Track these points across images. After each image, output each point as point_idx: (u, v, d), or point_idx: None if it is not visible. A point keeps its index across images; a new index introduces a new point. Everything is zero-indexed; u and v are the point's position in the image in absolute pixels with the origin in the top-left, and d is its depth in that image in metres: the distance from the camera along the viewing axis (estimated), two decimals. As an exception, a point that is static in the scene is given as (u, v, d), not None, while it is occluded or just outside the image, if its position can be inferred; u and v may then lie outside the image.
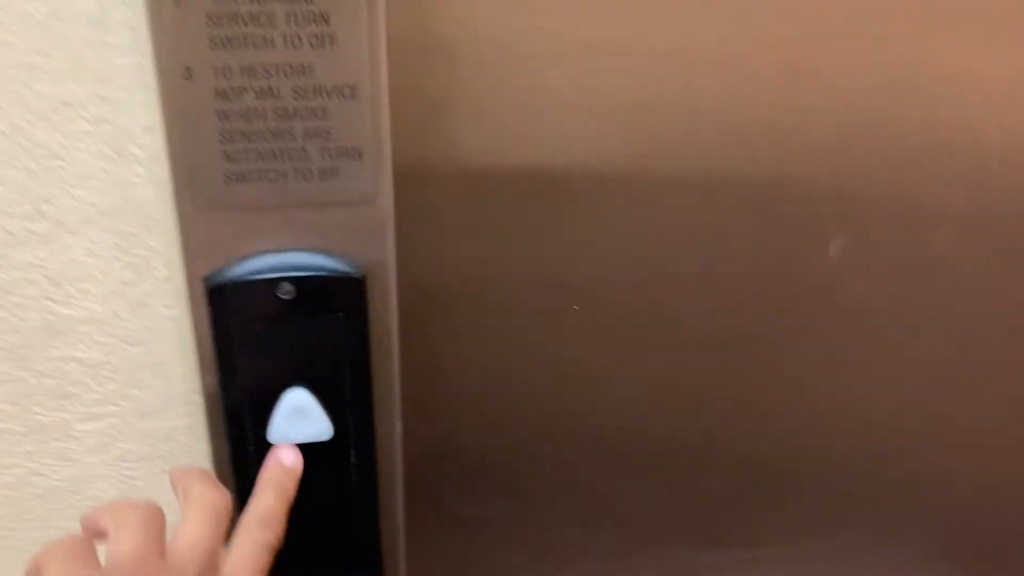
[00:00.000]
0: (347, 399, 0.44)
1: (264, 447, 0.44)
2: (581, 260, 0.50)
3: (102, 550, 0.35)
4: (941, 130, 0.50)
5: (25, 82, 0.37)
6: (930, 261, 0.55)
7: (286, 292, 0.41)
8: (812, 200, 0.51)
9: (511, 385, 0.54)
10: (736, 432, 0.59)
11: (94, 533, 0.36)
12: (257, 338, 0.42)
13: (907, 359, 0.58)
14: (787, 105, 0.47)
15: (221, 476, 0.46)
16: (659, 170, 0.48)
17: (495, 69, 0.43)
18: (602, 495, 0.60)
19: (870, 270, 0.54)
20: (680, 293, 0.53)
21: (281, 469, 0.43)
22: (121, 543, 0.34)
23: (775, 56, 0.46)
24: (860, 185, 0.51)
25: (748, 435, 0.60)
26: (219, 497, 0.38)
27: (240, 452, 0.45)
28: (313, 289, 0.41)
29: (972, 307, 0.58)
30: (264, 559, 0.39)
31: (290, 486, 0.43)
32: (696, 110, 0.46)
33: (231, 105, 0.38)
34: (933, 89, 0.48)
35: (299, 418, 0.44)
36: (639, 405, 0.56)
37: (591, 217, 0.48)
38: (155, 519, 0.36)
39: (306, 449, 0.44)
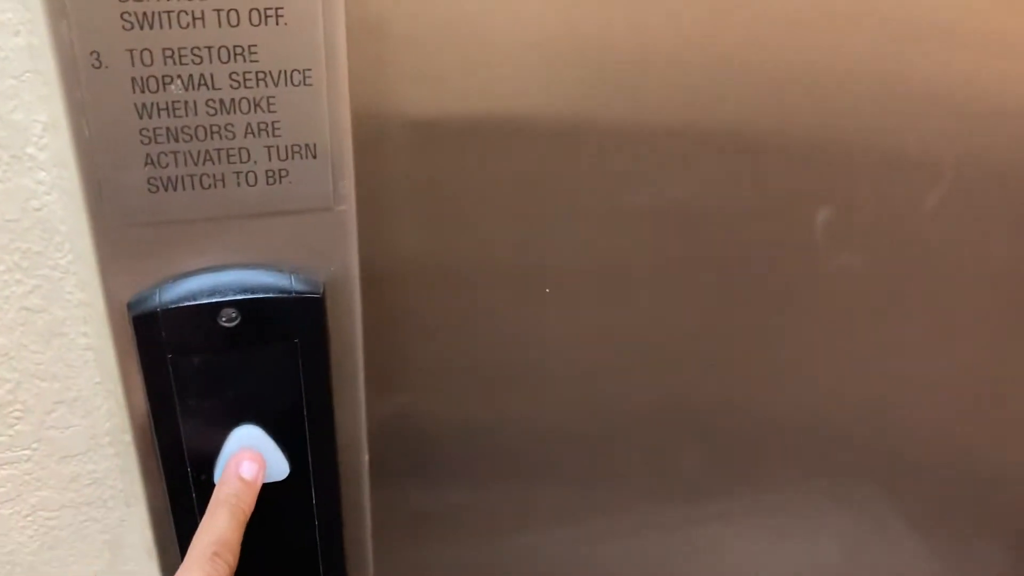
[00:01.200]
0: (306, 433, 0.38)
1: (210, 491, 0.38)
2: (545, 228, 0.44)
3: None
4: (931, 85, 0.45)
5: None
6: (918, 225, 0.50)
7: (229, 319, 0.34)
8: (789, 157, 0.45)
9: (481, 363, 0.48)
10: (711, 404, 0.55)
11: None
12: (196, 372, 0.35)
13: (887, 330, 0.54)
14: (763, 51, 0.41)
15: (160, 524, 0.40)
16: (614, 119, 0.42)
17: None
18: (577, 478, 0.55)
19: (854, 242, 0.49)
20: (656, 267, 0.47)
21: (240, 483, 0.36)
22: None
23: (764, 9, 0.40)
24: (848, 139, 0.46)
25: (725, 410, 0.55)
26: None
27: (182, 498, 0.38)
28: (262, 313, 0.34)
29: (960, 280, 0.54)
30: None
31: (248, 503, 0.36)
32: (667, 56, 0.40)
33: (153, 97, 0.30)
34: (923, 41, 0.43)
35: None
36: (614, 383, 0.51)
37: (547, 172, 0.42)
38: None
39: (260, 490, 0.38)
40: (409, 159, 0.38)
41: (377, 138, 0.37)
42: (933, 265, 0.53)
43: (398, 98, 0.36)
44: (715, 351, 0.52)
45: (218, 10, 0.30)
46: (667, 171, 0.43)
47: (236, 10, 0.30)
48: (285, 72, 0.31)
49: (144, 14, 0.29)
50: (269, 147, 0.32)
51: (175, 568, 0.37)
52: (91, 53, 0.29)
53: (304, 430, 0.38)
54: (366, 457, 0.40)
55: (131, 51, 0.29)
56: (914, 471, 0.64)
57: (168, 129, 0.31)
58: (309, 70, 0.31)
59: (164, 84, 0.30)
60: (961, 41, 0.45)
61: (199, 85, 0.31)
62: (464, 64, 0.37)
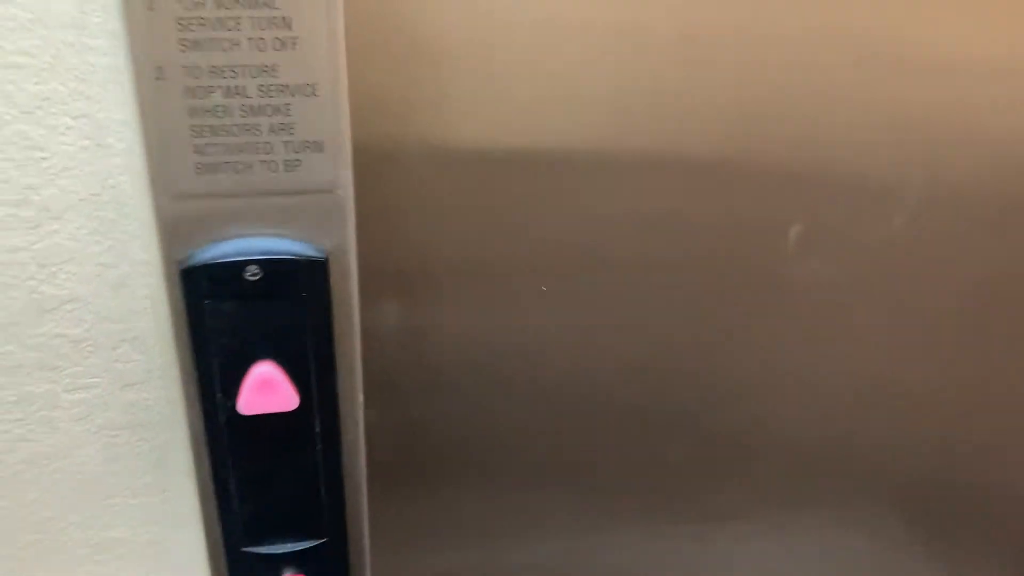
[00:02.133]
0: (311, 372, 0.48)
1: (235, 417, 0.48)
2: (549, 239, 0.53)
3: None
4: (902, 111, 0.54)
5: (12, 80, 0.41)
6: (888, 240, 0.58)
7: (252, 274, 0.45)
8: (779, 182, 0.54)
9: (478, 361, 0.57)
10: (707, 405, 0.63)
11: None
12: (226, 316, 0.46)
13: (865, 333, 0.62)
14: (756, 88, 0.51)
15: (196, 445, 0.50)
16: (620, 152, 0.51)
17: (459, 51, 0.47)
18: (571, 468, 0.64)
19: (832, 249, 0.58)
20: (647, 272, 0.56)
21: None
22: None
23: (740, 41, 0.49)
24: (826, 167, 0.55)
25: (717, 408, 0.63)
26: None
27: (212, 422, 0.49)
28: (278, 271, 0.45)
29: (928, 286, 0.62)
30: None
31: None
32: (664, 94, 0.50)
33: (200, 102, 0.41)
34: (898, 69, 0.52)
35: (266, 390, 0.47)
36: (608, 380, 0.60)
37: (558, 197, 0.52)
38: None
39: (273, 418, 0.48)
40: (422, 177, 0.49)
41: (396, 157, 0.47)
42: (908, 281, 0.61)
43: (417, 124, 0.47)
44: (709, 362, 0.61)
45: (250, 39, 0.40)
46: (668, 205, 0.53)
47: (264, 39, 0.40)
48: (299, 85, 0.42)
49: (195, 40, 0.40)
50: (286, 142, 0.43)
51: (209, 482, 0.48)
52: (156, 68, 0.40)
53: (309, 369, 0.48)
54: (360, 397, 0.50)
55: (185, 67, 0.40)
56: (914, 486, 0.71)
57: (211, 127, 0.42)
58: (316, 84, 0.42)
59: (208, 93, 0.41)
60: (931, 70, 0.53)
61: (235, 94, 0.41)
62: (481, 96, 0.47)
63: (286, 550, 0.53)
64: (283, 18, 0.40)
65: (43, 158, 0.43)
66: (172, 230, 0.44)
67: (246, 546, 0.52)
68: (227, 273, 0.44)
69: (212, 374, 0.47)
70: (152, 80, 0.40)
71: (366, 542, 0.54)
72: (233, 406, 0.48)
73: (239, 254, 0.44)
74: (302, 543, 0.53)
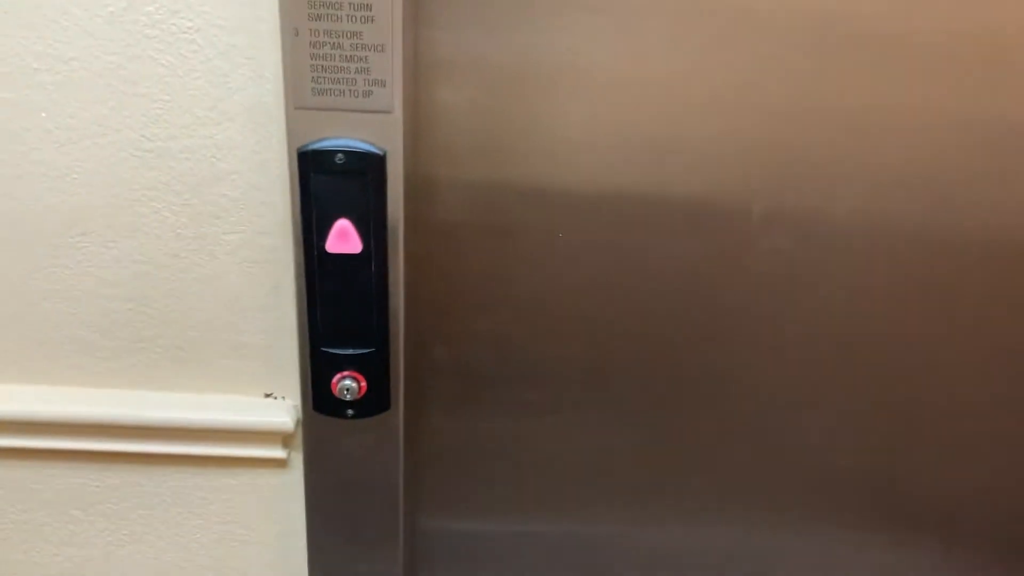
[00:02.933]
0: (371, 228, 0.77)
1: (323, 254, 0.77)
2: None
3: None
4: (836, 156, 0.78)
5: (215, 34, 0.72)
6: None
7: (339, 159, 0.74)
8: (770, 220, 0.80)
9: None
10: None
11: None
12: (322, 186, 0.75)
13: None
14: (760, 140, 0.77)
15: (299, 275, 0.79)
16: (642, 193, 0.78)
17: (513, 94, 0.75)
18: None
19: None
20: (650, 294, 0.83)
21: None
22: None
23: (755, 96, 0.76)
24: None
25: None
26: None
27: (310, 259, 0.78)
28: (354, 158, 0.74)
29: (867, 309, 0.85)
30: None
31: None
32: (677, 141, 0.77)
33: (317, 51, 0.71)
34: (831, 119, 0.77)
35: (343, 237, 0.76)
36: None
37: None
38: None
39: (346, 258, 0.77)
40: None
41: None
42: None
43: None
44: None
45: (347, 15, 0.70)
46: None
47: (354, 16, 0.70)
48: (373, 44, 0.71)
49: (317, 14, 0.70)
50: (365, 79, 0.72)
51: (304, 301, 0.77)
52: (294, 29, 0.70)
53: (370, 226, 0.77)
54: (402, 251, 0.79)
55: (310, 29, 0.70)
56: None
57: (322, 66, 0.71)
58: (383, 45, 0.71)
59: (321, 46, 0.71)
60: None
61: (336, 47, 0.71)
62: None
63: (348, 352, 0.81)
64: (366, 4, 0.70)
65: (226, 81, 0.74)
66: (295, 129, 0.74)
67: (324, 347, 0.81)
68: (324, 157, 0.74)
69: (311, 224, 0.77)
70: (292, 36, 0.71)
71: (400, 358, 0.82)
72: (323, 246, 0.77)
73: (332, 146, 0.74)
74: (359, 349, 0.81)
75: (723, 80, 0.76)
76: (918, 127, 0.77)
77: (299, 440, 0.87)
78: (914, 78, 0.76)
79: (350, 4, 0.70)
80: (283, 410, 0.86)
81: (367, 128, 0.74)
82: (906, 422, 0.90)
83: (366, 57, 0.71)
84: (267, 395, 0.87)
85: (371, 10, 0.70)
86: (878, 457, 0.92)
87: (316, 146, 0.74)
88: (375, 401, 0.83)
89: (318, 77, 0.72)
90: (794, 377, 0.88)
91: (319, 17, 0.70)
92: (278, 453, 0.88)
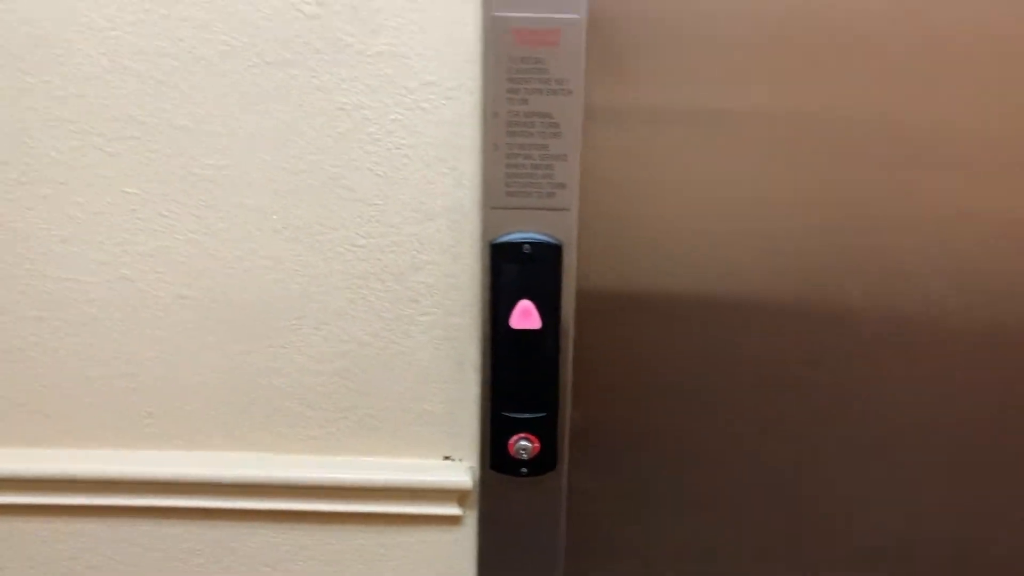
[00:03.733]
0: (548, 308, 0.91)
1: (507, 330, 0.91)
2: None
3: None
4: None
5: (422, 149, 0.88)
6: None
7: (526, 249, 0.89)
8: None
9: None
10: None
11: None
12: (510, 272, 0.89)
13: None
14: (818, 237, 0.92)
15: (484, 348, 0.93)
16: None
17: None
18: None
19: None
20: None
21: None
22: None
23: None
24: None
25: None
26: None
27: (496, 334, 0.92)
28: (538, 248, 0.89)
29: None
30: None
31: None
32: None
33: (512, 161, 0.87)
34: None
35: (525, 315, 0.90)
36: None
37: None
38: None
39: (527, 332, 0.91)
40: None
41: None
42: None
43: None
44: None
45: (539, 131, 0.86)
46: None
47: (543, 132, 0.86)
48: (556, 155, 0.86)
49: (512, 132, 0.85)
50: (549, 183, 0.87)
51: (488, 371, 0.91)
52: (493, 146, 0.86)
53: (549, 304, 0.90)
54: (572, 329, 0.92)
55: (507, 143, 0.86)
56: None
57: (514, 173, 0.87)
58: (566, 156, 0.86)
59: (515, 156, 0.86)
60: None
61: (527, 157, 0.86)
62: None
63: (524, 416, 0.94)
64: (554, 123, 0.86)
65: (431, 187, 0.89)
66: (489, 224, 0.89)
67: (504, 411, 0.94)
68: (513, 248, 0.89)
69: (499, 304, 0.91)
70: (492, 152, 0.86)
71: (567, 422, 0.95)
72: (507, 323, 0.91)
73: (520, 239, 0.89)
74: (534, 413, 0.94)
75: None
76: (1010, 235, 0.91)
77: (474, 498, 0.99)
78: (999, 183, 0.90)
79: (540, 122, 0.86)
80: (461, 470, 0.99)
81: (548, 223, 0.89)
82: None
83: (551, 164, 0.87)
84: (446, 457, 1.00)
85: (559, 127, 0.86)
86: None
87: (506, 238, 0.89)
88: (545, 461, 0.96)
89: (511, 182, 0.87)
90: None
91: (515, 134, 0.86)
92: (454, 510, 1.00)
